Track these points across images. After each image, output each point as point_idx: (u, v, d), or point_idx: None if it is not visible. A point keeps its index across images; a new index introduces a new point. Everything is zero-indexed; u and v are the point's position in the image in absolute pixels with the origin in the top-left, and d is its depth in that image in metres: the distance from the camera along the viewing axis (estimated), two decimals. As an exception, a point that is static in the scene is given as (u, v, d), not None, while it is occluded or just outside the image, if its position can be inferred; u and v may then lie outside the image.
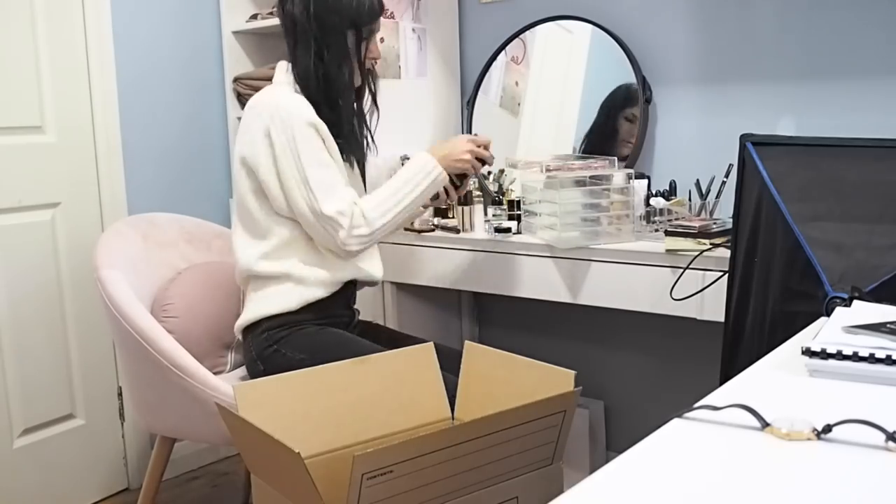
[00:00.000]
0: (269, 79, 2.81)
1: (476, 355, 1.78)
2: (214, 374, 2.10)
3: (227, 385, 1.94)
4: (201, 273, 2.25)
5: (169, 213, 2.49)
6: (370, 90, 2.03)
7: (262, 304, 1.91)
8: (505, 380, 1.68)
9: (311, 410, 1.57)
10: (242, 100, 2.89)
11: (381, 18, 2.53)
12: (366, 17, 1.92)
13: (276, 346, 1.88)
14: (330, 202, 1.80)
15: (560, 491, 1.51)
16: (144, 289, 2.15)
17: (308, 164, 1.81)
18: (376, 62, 2.02)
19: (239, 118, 2.86)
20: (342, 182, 1.85)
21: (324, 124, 1.86)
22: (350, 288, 1.98)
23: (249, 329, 1.94)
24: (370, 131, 2.06)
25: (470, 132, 2.72)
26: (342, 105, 1.92)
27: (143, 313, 1.99)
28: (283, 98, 1.87)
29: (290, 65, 1.95)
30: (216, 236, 2.45)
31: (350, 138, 1.96)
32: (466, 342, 1.81)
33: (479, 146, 1.95)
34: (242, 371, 2.19)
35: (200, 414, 1.93)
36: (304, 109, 1.84)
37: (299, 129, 1.82)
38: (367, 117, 2.05)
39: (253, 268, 1.91)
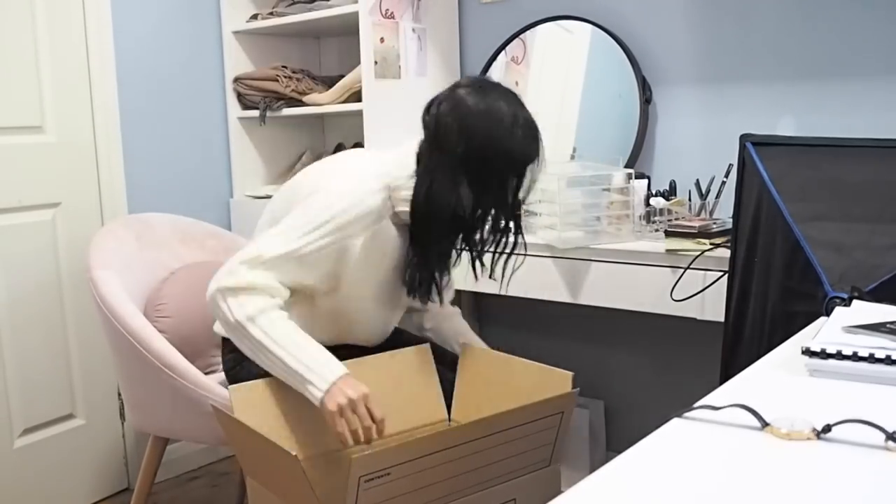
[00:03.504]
0: (269, 78, 2.84)
1: (472, 357, 1.77)
2: (208, 373, 2.10)
3: (219, 385, 1.93)
4: (194, 273, 2.25)
5: (168, 213, 2.49)
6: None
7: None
8: (502, 381, 1.68)
9: (307, 412, 1.56)
10: (243, 100, 2.89)
11: (384, 19, 2.54)
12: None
13: (240, 366, 1.71)
14: (249, 264, 1.55)
15: (558, 493, 1.51)
16: (138, 289, 2.15)
17: (294, 236, 1.56)
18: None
19: (239, 118, 2.90)
20: (279, 274, 1.56)
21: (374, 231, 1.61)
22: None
23: (223, 340, 1.78)
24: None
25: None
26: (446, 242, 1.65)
27: (135, 313, 1.99)
28: (361, 194, 1.58)
29: (415, 155, 1.63)
30: (210, 236, 2.45)
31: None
32: (462, 343, 1.81)
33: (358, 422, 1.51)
34: None
35: (192, 414, 1.93)
36: (368, 209, 1.58)
37: (339, 215, 1.55)
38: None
39: None
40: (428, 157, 1.60)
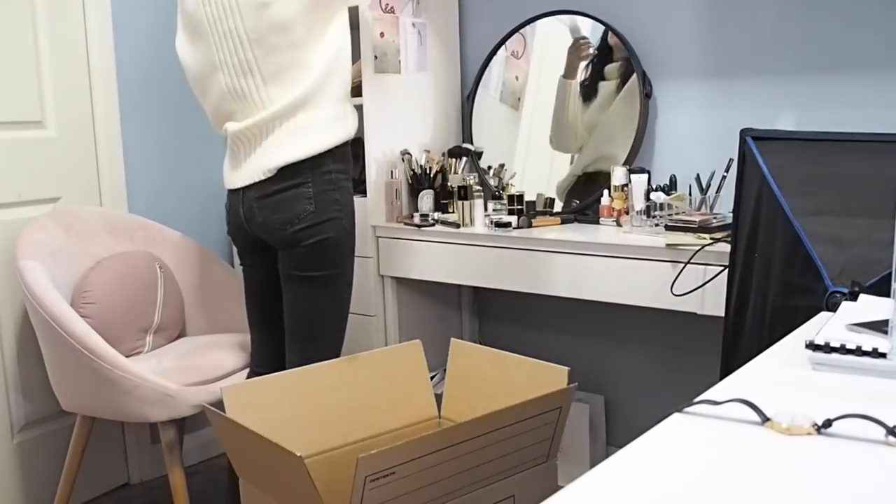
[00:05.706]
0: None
1: (462, 353, 1.76)
2: (131, 356, 2.25)
3: (139, 366, 2.09)
4: (120, 261, 2.36)
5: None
6: None
7: (324, 135, 1.78)
8: (495, 378, 1.68)
9: (300, 411, 1.56)
10: (242, 94, 2.88)
11: (384, 14, 2.54)
12: None
13: (337, 192, 1.82)
14: None
15: (555, 488, 1.51)
16: (65, 278, 2.27)
17: None
18: None
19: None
20: None
21: None
22: None
23: (308, 165, 1.79)
24: None
25: (470, 127, 2.72)
26: None
27: (58, 300, 2.10)
28: None
29: None
30: (139, 227, 2.54)
31: None
32: (452, 340, 1.80)
33: None
34: (162, 353, 2.32)
35: (112, 394, 2.06)
36: None
37: None
38: None
39: (308, 98, 1.77)
40: None
